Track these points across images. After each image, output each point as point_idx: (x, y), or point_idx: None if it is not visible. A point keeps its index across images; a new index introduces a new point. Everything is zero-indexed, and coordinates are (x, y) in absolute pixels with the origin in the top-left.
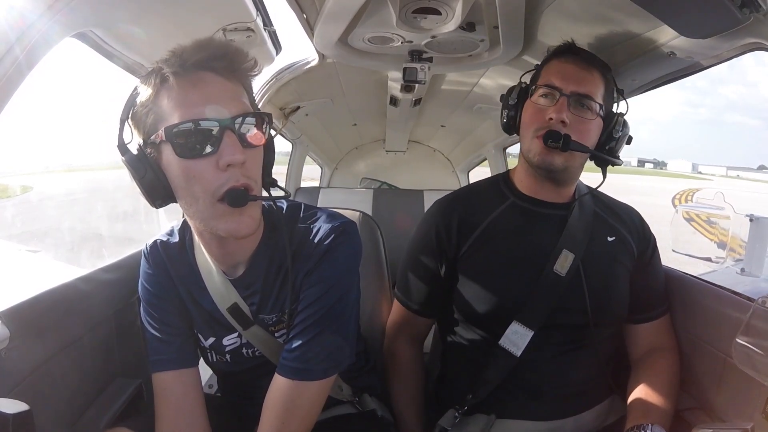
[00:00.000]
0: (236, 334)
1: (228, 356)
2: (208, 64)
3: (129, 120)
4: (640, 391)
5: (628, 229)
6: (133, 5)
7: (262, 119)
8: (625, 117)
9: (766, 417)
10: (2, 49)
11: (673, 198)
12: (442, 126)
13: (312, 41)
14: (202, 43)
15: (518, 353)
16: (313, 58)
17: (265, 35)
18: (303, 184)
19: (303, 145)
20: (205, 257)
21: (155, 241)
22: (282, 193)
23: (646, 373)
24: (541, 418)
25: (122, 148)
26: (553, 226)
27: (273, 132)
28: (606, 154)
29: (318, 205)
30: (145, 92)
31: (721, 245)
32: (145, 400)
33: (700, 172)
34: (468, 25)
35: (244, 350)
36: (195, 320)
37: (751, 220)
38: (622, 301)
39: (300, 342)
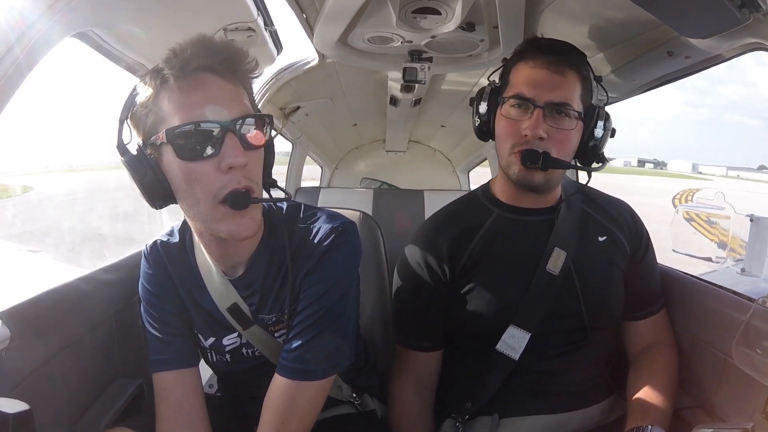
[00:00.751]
0: (236, 334)
1: (228, 356)
2: (209, 66)
3: (128, 120)
4: (640, 388)
5: (620, 227)
6: (133, 5)
7: (263, 121)
8: (605, 108)
9: (766, 417)
10: (2, 49)
11: (674, 198)
12: (442, 126)
13: (312, 41)
14: (203, 43)
15: (516, 357)
16: (313, 58)
17: (266, 35)
18: (303, 184)
19: (303, 145)
20: (204, 257)
21: (155, 242)
22: (282, 195)
23: (644, 370)
24: (546, 412)
25: (122, 148)
26: (542, 229)
27: (273, 132)
28: (590, 154)
29: (318, 205)
30: (144, 93)
31: (722, 245)
32: (146, 400)
33: (701, 172)
34: (468, 25)
35: (244, 350)
36: (195, 320)
37: (751, 220)
38: (617, 301)
39: (299, 342)
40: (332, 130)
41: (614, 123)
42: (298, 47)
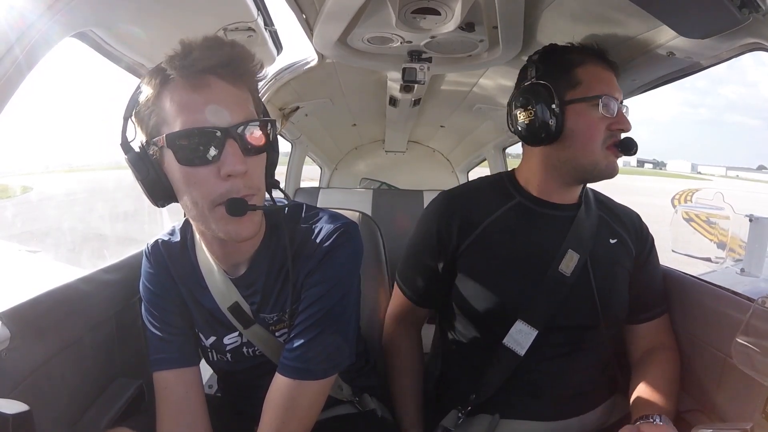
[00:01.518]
0: (237, 333)
1: (228, 355)
2: (213, 68)
3: (132, 118)
4: (642, 391)
5: (627, 231)
6: (133, 5)
7: (266, 124)
8: None
9: (766, 417)
10: (2, 49)
11: (673, 198)
12: (441, 126)
13: (311, 41)
14: (207, 44)
15: (522, 353)
16: (313, 59)
17: (266, 35)
18: (302, 184)
19: (302, 146)
20: (206, 256)
21: (156, 241)
22: (282, 197)
23: (646, 373)
24: (545, 418)
25: (125, 146)
26: (558, 226)
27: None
28: None
29: (317, 206)
30: (147, 91)
31: (721, 245)
32: (146, 400)
33: (700, 173)
34: (467, 26)
35: (245, 349)
36: (195, 319)
37: (750, 221)
38: (623, 302)
39: (301, 342)
40: (332, 131)
41: None
42: (298, 47)
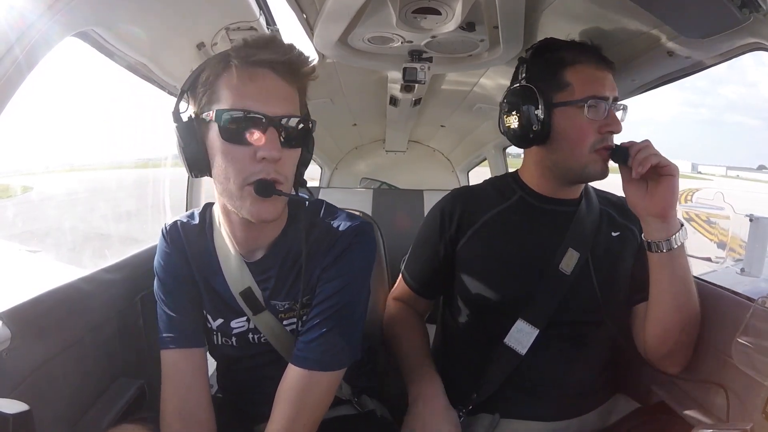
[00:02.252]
0: (245, 318)
1: (234, 339)
2: (269, 63)
3: (188, 92)
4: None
5: (633, 221)
6: (135, 4)
7: (306, 122)
8: None
9: (766, 417)
10: (2, 49)
11: None
12: (442, 126)
13: (312, 41)
14: (270, 41)
15: (523, 352)
16: (313, 59)
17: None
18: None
19: None
20: (223, 240)
21: (175, 222)
22: (303, 195)
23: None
24: (546, 418)
25: (176, 116)
26: (559, 223)
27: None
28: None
29: None
30: (208, 72)
31: (721, 245)
32: (148, 400)
33: (700, 172)
34: (468, 25)
35: (251, 335)
36: (205, 302)
37: (751, 220)
38: (625, 295)
39: (315, 334)
40: (332, 130)
41: None
42: (300, 47)
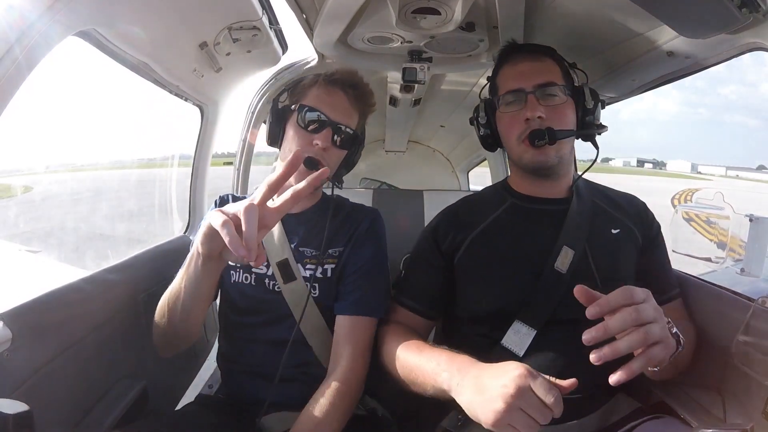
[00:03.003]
0: (265, 264)
1: (252, 278)
2: (344, 86)
3: (289, 90)
4: None
5: (631, 219)
6: (138, 3)
7: (355, 136)
8: (589, 87)
9: (766, 417)
10: (2, 49)
11: (673, 198)
12: (441, 126)
13: (312, 41)
14: (352, 72)
15: (521, 353)
16: (313, 58)
17: (271, 34)
18: None
19: None
20: None
21: (228, 194)
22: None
23: None
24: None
25: (275, 102)
26: (553, 222)
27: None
28: (589, 126)
29: None
30: (305, 80)
31: (721, 245)
32: (150, 401)
33: (700, 172)
34: (467, 25)
35: (267, 281)
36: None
37: (750, 220)
38: None
39: (356, 285)
40: None
41: (614, 123)
42: (304, 46)
